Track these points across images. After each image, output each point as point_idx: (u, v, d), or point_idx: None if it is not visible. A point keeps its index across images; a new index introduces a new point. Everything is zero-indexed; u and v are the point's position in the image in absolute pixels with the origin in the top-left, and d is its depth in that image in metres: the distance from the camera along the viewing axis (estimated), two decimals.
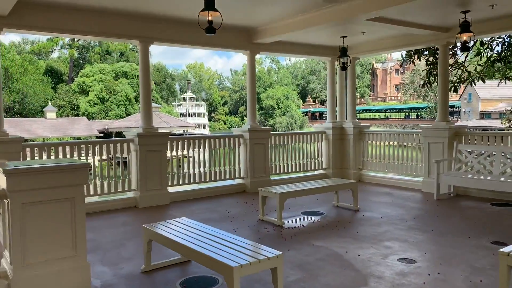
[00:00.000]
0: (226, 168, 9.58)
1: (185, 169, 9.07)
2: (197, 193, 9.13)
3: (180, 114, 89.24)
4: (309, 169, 10.95)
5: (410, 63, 12.19)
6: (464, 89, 63.17)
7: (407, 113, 74.93)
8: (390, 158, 10.43)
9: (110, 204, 8.04)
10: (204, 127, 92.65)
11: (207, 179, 9.25)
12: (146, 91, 8.36)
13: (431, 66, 11.65)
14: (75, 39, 68.73)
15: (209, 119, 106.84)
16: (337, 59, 9.85)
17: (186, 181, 8.96)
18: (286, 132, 10.73)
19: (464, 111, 61.19)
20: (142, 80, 8.34)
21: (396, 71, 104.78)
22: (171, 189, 8.74)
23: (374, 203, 8.25)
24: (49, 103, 40.49)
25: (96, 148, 8.14)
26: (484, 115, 59.41)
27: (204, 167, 9.29)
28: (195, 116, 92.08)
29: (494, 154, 8.28)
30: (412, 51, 11.48)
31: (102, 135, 42.23)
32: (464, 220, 6.93)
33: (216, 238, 4.10)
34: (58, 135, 38.05)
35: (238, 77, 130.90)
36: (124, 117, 50.50)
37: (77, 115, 53.50)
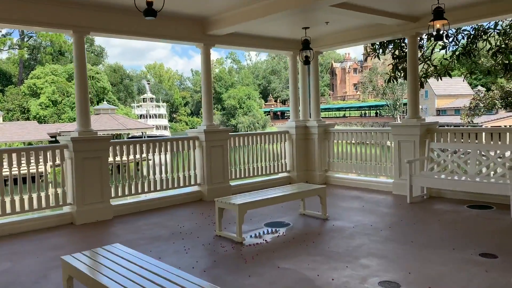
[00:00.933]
0: (180, 174, 8.56)
1: (133, 177, 7.97)
2: (147, 205, 8.05)
3: (140, 115, 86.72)
4: (272, 172, 10.10)
5: (375, 57, 11.58)
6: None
7: (363, 111, 75.90)
8: (358, 158, 9.74)
9: (40, 222, 6.85)
10: (165, 128, 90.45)
11: (158, 188, 8.20)
12: (82, 89, 7.21)
13: (397, 60, 11.07)
14: (25, 39, 65.22)
15: (170, 120, 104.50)
16: (299, 52, 9.05)
17: (133, 191, 7.89)
18: (246, 132, 9.83)
19: (421, 108, 62.53)
20: (77, 76, 7.18)
21: (355, 70, 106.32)
22: (115, 202, 7.64)
23: (344, 210, 7.48)
24: None
25: (21, 156, 6.92)
26: (440, 112, 60.96)
27: (154, 174, 8.21)
28: (156, 118, 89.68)
29: (469, 153, 7.71)
30: (377, 44, 10.86)
31: (54, 139, 39.88)
32: (444, 227, 6.26)
33: (155, 278, 3.12)
34: (5, 140, 35.51)
35: (199, 77, 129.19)
36: None
37: (27, 118, 50.48)
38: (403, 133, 8.64)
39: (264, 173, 9.94)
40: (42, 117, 49.92)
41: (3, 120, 46.89)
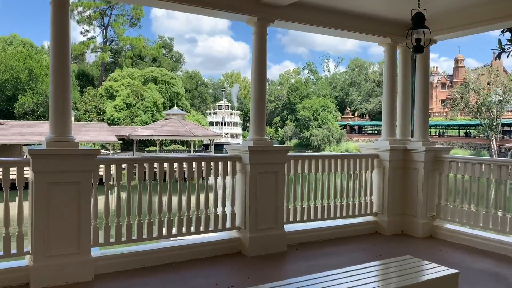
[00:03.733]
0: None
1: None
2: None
3: (215, 122, 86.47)
4: (349, 214, 6.84)
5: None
6: None
7: (466, 130, 68.31)
8: (489, 203, 6.18)
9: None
10: (237, 136, 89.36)
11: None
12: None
13: None
14: (107, 42, 67.33)
15: (244, 129, 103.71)
16: (407, 35, 5.74)
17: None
18: (314, 154, 6.64)
19: None
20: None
21: (443, 85, 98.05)
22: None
23: None
24: None
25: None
26: None
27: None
28: (231, 125, 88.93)
29: None
30: None
31: (121, 142, 39.43)
32: None
33: None
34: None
35: (274, 87, 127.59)
36: (151, 123, 47.74)
37: (102, 120, 51.31)
38: None
39: (336, 215, 6.71)
40: (116, 119, 50.36)
41: (78, 121, 47.86)
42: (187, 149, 43.55)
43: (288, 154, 6.05)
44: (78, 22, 66.11)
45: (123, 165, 5.25)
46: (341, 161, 6.76)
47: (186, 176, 5.60)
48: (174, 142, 47.72)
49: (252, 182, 5.70)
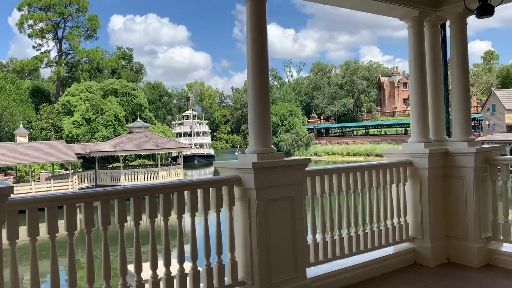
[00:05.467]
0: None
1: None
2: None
3: (183, 133, 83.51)
4: (381, 243, 5.15)
5: None
6: (487, 99, 57.64)
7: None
8: None
9: None
10: (206, 146, 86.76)
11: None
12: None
13: None
14: (62, 56, 63.84)
15: (211, 138, 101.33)
16: None
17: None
18: (334, 167, 4.77)
19: (488, 124, 55.46)
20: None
21: (404, 84, 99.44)
22: None
23: None
24: (20, 125, 34.87)
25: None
26: (511, 128, 53.63)
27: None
28: (201, 135, 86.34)
29: None
30: None
31: (81, 160, 36.60)
32: None
33: None
34: (28, 161, 32.43)
35: (239, 95, 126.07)
36: (113, 138, 44.91)
37: (60, 137, 48.01)
38: None
39: (367, 246, 5.01)
40: (75, 136, 47.22)
41: (34, 140, 44.48)
42: (154, 163, 41.08)
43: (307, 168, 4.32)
44: (29, 36, 62.37)
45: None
46: (369, 174, 5.07)
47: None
48: (140, 156, 45.12)
49: (259, 214, 3.91)
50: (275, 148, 4.19)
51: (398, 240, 5.31)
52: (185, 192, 3.77)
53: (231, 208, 4.00)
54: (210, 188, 3.91)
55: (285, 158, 4.16)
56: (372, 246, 5.05)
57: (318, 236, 4.64)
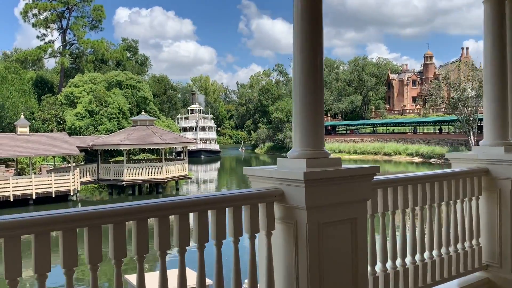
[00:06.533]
0: None
1: None
2: None
3: (188, 128, 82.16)
4: (450, 274, 4.01)
5: None
6: None
7: (440, 126, 67.06)
8: None
9: None
10: (213, 141, 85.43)
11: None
12: None
13: None
14: (66, 46, 62.83)
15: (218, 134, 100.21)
16: None
17: None
18: (401, 176, 3.61)
19: None
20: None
21: (414, 82, 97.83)
22: None
23: None
24: (21, 116, 33.87)
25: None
26: None
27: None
28: (206, 130, 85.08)
29: None
30: None
31: (84, 153, 35.61)
32: None
33: None
34: (29, 154, 31.45)
35: (244, 90, 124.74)
36: (117, 131, 43.87)
37: (63, 129, 47.06)
38: None
39: (435, 277, 3.87)
40: (78, 128, 46.21)
41: (36, 131, 43.54)
42: (158, 158, 40.08)
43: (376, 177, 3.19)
44: (33, 25, 61.33)
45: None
46: (439, 185, 3.92)
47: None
48: (143, 151, 44.10)
49: (311, 243, 2.79)
50: (329, 151, 3.06)
51: (470, 269, 4.17)
52: (205, 213, 2.65)
53: (269, 233, 2.88)
54: (243, 206, 2.79)
55: (345, 166, 3.03)
56: (441, 278, 3.92)
57: (377, 267, 3.51)
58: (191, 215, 2.59)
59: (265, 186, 2.98)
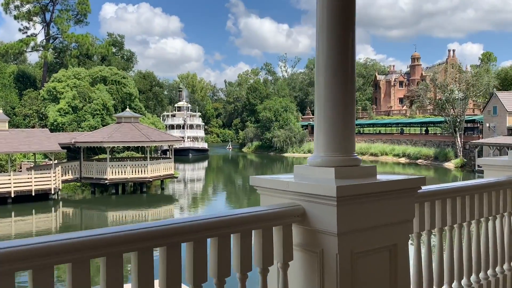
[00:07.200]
0: None
1: None
2: None
3: (175, 125, 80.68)
4: None
5: None
6: (488, 101, 56.46)
7: (426, 127, 67.13)
8: None
9: None
10: (201, 140, 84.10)
11: None
12: None
13: None
14: (50, 40, 61.19)
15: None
16: None
17: None
18: (447, 187, 2.96)
19: (489, 126, 54.20)
20: None
21: (401, 83, 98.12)
22: None
23: None
24: (0, 111, 32.56)
25: None
26: None
27: None
28: (194, 128, 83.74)
29: None
30: None
31: (66, 150, 34.44)
32: None
33: None
34: (7, 150, 30.19)
35: (232, 88, 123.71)
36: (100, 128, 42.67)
37: (45, 125, 45.66)
38: None
39: None
40: (61, 125, 44.88)
41: (16, 127, 42.15)
42: (143, 156, 39.07)
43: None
44: (15, 17, 59.54)
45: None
46: (487, 196, 3.27)
47: None
48: (128, 148, 43.01)
49: (342, 279, 2.09)
50: (359, 157, 2.38)
51: None
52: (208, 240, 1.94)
53: (286, 264, 2.17)
54: (253, 231, 2.08)
55: (382, 177, 2.34)
56: None
57: None
58: (183, 245, 1.87)
59: (279, 202, 2.28)
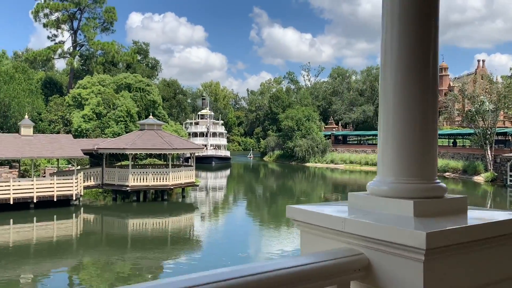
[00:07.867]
0: None
1: None
2: None
3: (199, 133, 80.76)
4: None
5: None
6: None
7: (454, 139, 65.22)
8: None
9: None
10: (224, 148, 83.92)
11: None
12: None
13: None
14: (76, 47, 62.21)
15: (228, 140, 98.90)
16: None
17: None
18: None
19: None
20: None
21: None
22: None
23: None
24: (26, 116, 32.86)
25: None
26: None
27: None
28: (217, 136, 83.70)
29: None
30: None
31: (88, 156, 34.52)
32: None
33: None
34: (31, 155, 30.36)
35: (255, 97, 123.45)
36: (123, 135, 42.75)
37: (69, 131, 46.11)
38: None
39: None
40: (84, 131, 45.21)
41: (42, 132, 42.66)
42: (165, 163, 38.85)
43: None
44: (44, 25, 60.82)
45: None
46: None
47: None
48: (150, 155, 42.92)
49: None
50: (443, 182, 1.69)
51: None
52: None
53: None
54: None
55: (474, 211, 1.65)
56: None
57: None
58: None
59: (329, 245, 1.61)
